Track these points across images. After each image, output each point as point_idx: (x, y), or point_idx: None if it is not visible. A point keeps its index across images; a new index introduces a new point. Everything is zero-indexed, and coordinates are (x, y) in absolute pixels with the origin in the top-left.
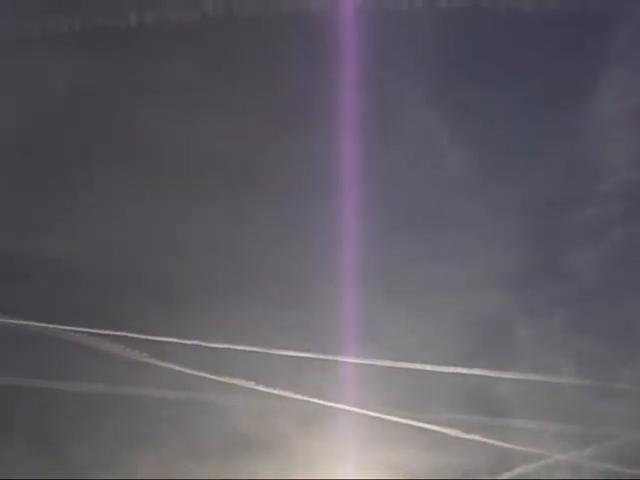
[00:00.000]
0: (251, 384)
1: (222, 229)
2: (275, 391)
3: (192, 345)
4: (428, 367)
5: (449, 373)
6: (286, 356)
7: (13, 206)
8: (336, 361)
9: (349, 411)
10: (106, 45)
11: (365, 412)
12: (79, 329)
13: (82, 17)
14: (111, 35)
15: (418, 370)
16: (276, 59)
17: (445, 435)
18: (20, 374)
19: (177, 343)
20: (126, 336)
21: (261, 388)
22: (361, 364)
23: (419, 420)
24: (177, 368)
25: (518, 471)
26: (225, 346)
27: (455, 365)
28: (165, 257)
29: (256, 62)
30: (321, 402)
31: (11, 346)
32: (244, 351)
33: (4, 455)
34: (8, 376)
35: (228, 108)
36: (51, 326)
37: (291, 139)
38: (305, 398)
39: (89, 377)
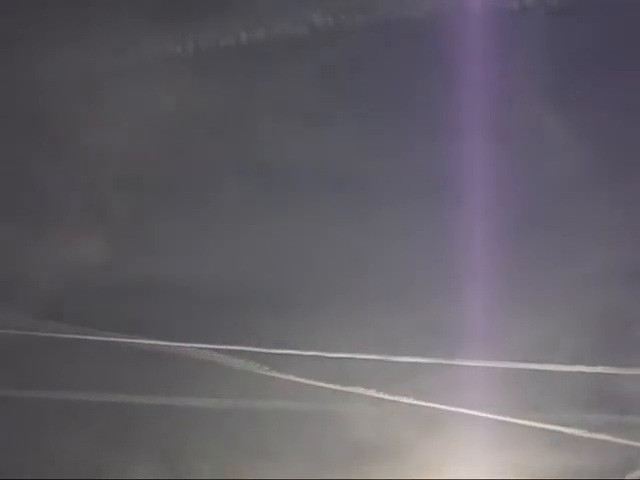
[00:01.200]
0: (371, 392)
1: (340, 240)
2: (396, 398)
3: (311, 356)
4: (550, 367)
5: (572, 372)
6: (406, 362)
7: (142, 231)
8: (456, 365)
9: (470, 415)
10: (219, 64)
11: (487, 415)
12: (202, 345)
13: (194, 38)
14: (223, 54)
15: (540, 370)
16: (387, 67)
17: (570, 435)
18: (146, 392)
19: (296, 355)
20: (246, 350)
21: (382, 395)
22: (481, 367)
23: (542, 421)
24: (298, 379)
25: None
26: (344, 355)
27: (578, 364)
28: (282, 271)
29: (368, 72)
30: (442, 407)
31: (139, 365)
32: (363, 359)
33: (131, 472)
34: (136, 394)
35: (344, 118)
36: (174, 344)
37: (410, 146)
38: (426, 403)
39: (211, 392)
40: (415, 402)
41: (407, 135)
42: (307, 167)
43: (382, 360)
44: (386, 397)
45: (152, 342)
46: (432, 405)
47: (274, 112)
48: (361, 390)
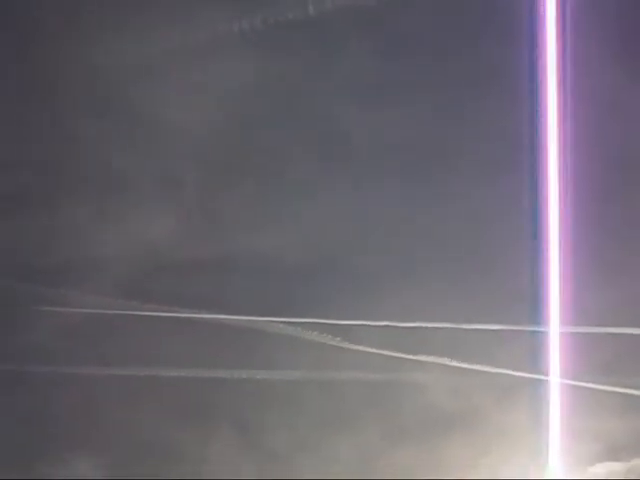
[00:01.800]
0: (445, 360)
1: (412, 208)
2: (470, 366)
3: (384, 326)
4: (631, 330)
5: None
6: (480, 330)
7: (216, 207)
8: (532, 331)
9: (548, 381)
10: (287, 38)
11: (566, 381)
12: (275, 319)
13: (263, 13)
14: (292, 28)
15: (617, 334)
16: (454, 39)
17: None
18: (222, 366)
19: (369, 326)
20: (319, 322)
21: (456, 364)
22: (559, 332)
23: (623, 386)
24: (371, 350)
25: None
26: (417, 325)
27: None
28: (354, 242)
29: (433, 44)
30: (518, 374)
31: (216, 340)
32: (436, 328)
33: (210, 446)
34: (213, 369)
35: (412, 91)
36: (249, 318)
37: (480, 118)
38: (502, 371)
39: (286, 365)
40: (491, 370)
41: (473, 102)
42: (375, 138)
43: (457, 328)
44: (461, 365)
45: (228, 317)
46: (508, 372)
47: (342, 84)
48: (436, 359)
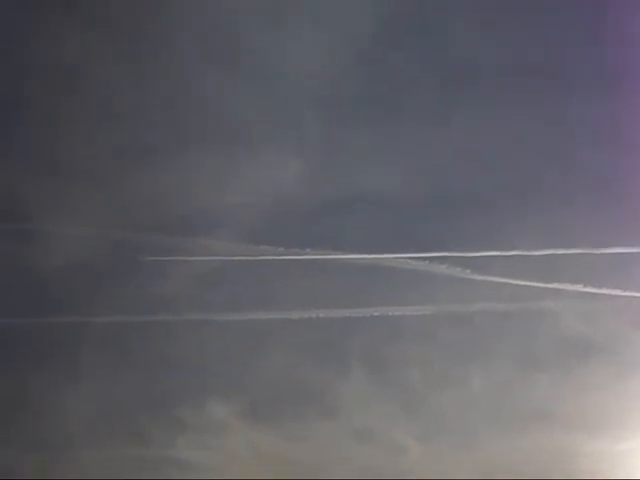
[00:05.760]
0: (579, 287)
1: (533, 137)
2: (604, 291)
3: (514, 256)
4: None
5: None
6: (612, 254)
7: (334, 148)
8: None
9: None
10: None
11: None
12: (402, 255)
13: None
14: None
15: None
16: None
17: None
18: (351, 305)
19: (498, 256)
20: (448, 256)
21: (590, 289)
22: None
23: None
24: (502, 280)
25: None
26: (547, 252)
27: None
28: (477, 174)
29: None
30: None
31: (343, 280)
32: (567, 254)
33: (340, 384)
34: (341, 308)
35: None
36: (376, 256)
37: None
38: (636, 294)
39: (416, 300)
40: (625, 294)
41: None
42: (485, 60)
43: (588, 253)
44: (595, 291)
45: (354, 256)
46: None
47: (460, 14)
48: (568, 286)
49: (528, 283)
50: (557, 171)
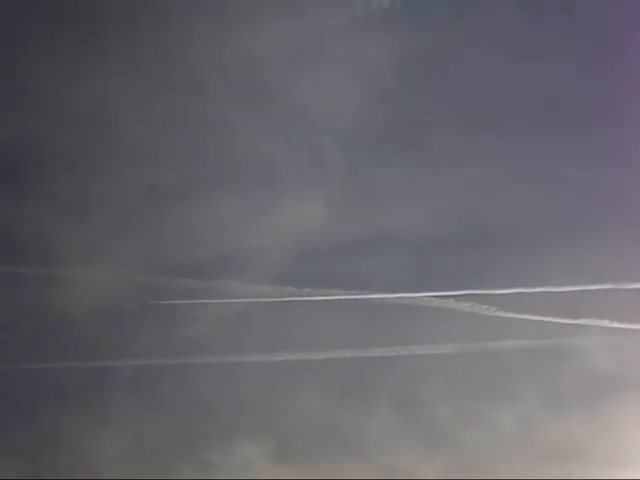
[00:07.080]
0: (605, 322)
1: (558, 173)
2: (631, 326)
3: (540, 292)
4: None
5: None
6: (639, 289)
7: (363, 189)
8: None
9: None
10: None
11: None
12: (427, 294)
13: None
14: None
15: None
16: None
17: None
18: (375, 345)
19: (524, 293)
20: (472, 294)
21: (616, 325)
22: None
23: None
24: (528, 317)
25: None
26: (573, 288)
27: None
28: (500, 211)
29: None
30: None
31: (367, 320)
32: (593, 290)
33: (368, 424)
34: (366, 348)
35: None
36: (400, 295)
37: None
38: None
39: (441, 338)
40: None
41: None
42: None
43: (613, 289)
44: (621, 326)
45: (380, 296)
46: None
47: (483, 50)
48: (595, 321)
49: (554, 320)
50: (583, 207)
